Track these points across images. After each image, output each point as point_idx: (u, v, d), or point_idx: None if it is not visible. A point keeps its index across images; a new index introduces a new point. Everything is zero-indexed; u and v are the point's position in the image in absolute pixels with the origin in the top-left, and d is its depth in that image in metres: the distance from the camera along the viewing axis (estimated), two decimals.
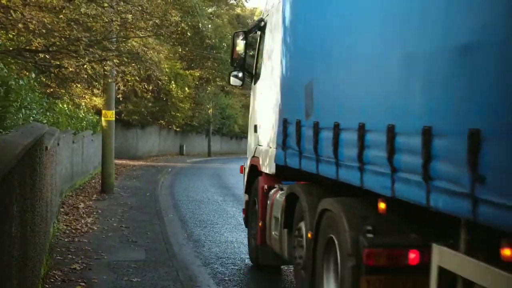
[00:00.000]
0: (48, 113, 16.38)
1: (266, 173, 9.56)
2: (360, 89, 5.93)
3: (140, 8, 15.61)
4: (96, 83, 20.87)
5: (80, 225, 13.39)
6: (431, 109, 4.61)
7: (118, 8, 16.38)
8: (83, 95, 25.68)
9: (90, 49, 16.38)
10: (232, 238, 13.03)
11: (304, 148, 7.39)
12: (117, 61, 18.25)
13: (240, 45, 10.65)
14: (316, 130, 6.90)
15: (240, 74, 10.82)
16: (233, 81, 10.95)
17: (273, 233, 8.89)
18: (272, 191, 9.21)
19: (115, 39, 17.87)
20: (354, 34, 6.17)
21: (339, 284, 6.01)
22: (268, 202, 9.19)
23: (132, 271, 9.58)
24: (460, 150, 4.11)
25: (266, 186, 9.47)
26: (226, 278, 9.67)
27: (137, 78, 23.96)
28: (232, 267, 10.43)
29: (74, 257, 10.28)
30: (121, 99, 35.45)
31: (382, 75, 5.45)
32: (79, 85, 22.21)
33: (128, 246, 11.56)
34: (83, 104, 26.42)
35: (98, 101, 27.16)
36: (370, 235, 5.63)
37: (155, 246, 11.70)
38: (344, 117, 6.22)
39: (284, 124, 8.12)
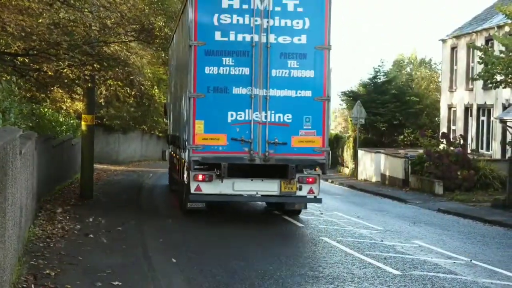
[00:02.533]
0: (27, 117, 16.29)
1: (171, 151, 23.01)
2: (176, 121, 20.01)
3: (119, 15, 15.57)
4: (77, 87, 20.77)
5: (56, 230, 13.30)
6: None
7: (99, 14, 16.32)
8: (64, 100, 25.55)
9: (70, 53, 16.32)
10: (203, 239, 12.98)
11: (172, 144, 21.51)
12: (98, 65, 18.17)
13: (166, 106, 25.43)
14: (174, 137, 19.75)
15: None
16: (164, 117, 28.26)
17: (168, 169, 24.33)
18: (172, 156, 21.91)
19: (96, 43, 17.79)
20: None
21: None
22: (170, 159, 22.77)
23: (107, 276, 9.54)
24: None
25: (171, 155, 22.71)
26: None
27: (119, 83, 23.91)
28: (208, 273, 10.41)
29: (48, 262, 10.22)
30: (103, 103, 35.30)
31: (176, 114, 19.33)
32: (60, 90, 22.10)
33: (103, 251, 11.51)
34: (63, 108, 26.28)
35: (79, 106, 27.04)
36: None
37: (132, 251, 11.67)
38: (176, 130, 19.22)
39: (168, 134, 24.80)
